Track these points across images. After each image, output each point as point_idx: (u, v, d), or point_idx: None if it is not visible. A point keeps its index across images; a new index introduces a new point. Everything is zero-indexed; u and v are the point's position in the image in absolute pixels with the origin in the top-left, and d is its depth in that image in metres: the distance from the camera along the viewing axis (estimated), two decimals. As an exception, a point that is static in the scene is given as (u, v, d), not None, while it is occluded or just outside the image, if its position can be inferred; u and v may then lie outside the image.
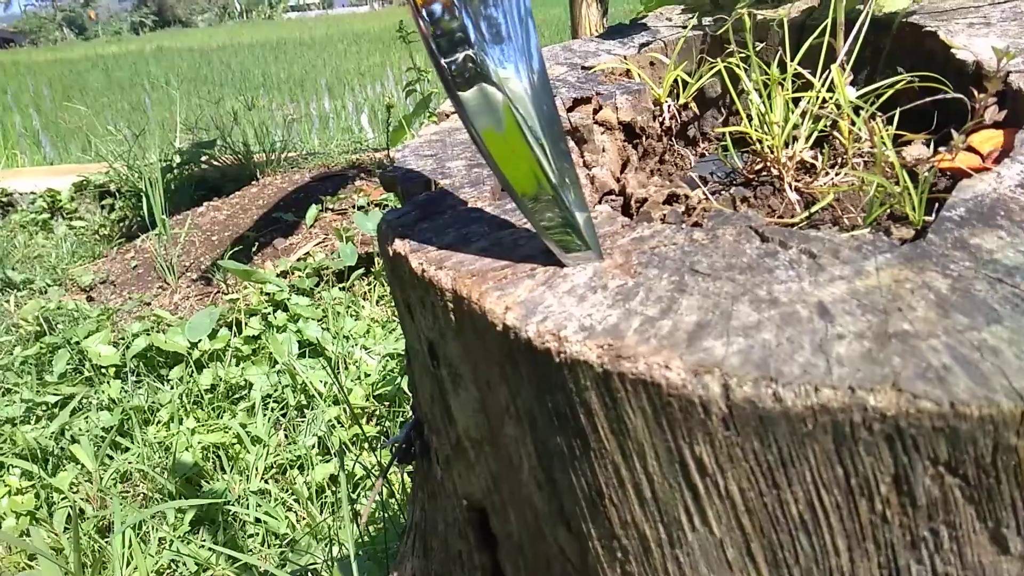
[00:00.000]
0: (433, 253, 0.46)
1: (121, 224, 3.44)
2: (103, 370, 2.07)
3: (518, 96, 0.40)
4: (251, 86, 10.83)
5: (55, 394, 1.96)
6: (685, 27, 0.74)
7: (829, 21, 0.58)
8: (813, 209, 0.51)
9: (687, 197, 0.51)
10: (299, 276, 2.54)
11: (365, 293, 2.56)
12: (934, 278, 0.36)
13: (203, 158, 3.51)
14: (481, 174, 0.55)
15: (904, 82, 0.56)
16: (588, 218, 0.42)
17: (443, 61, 0.38)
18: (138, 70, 14.89)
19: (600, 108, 0.63)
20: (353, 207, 2.97)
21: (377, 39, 16.67)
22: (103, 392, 1.96)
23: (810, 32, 0.66)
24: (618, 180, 0.57)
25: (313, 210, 2.87)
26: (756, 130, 0.56)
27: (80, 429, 1.83)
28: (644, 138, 0.63)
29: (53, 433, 1.80)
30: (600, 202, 0.54)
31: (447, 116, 0.66)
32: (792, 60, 0.59)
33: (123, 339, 2.19)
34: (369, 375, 1.98)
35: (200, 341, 2.11)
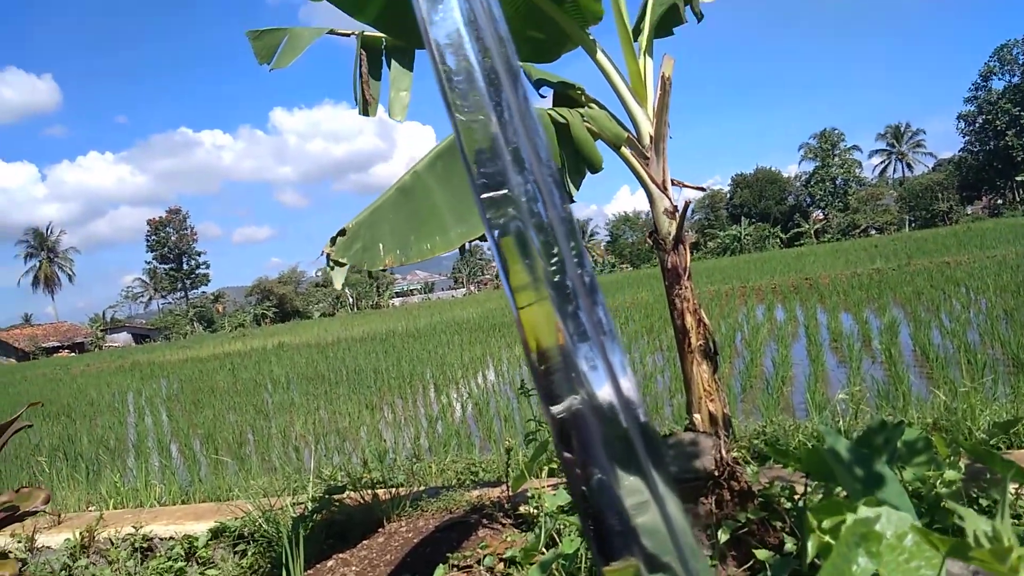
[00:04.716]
0: None
1: (253, 574, 3.53)
2: None
3: None
4: (364, 384, 11.51)
5: None
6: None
7: None
8: None
9: None
10: (431, 655, 2.49)
11: (497, 672, 2.47)
12: None
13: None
14: None
15: None
16: None
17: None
18: (261, 369, 16.17)
19: None
20: (478, 563, 2.98)
21: (477, 328, 17.75)
22: None
23: None
24: None
25: (440, 572, 2.89)
26: None
27: None
28: None
29: None
30: None
31: None
32: None
33: None
34: None
35: None
